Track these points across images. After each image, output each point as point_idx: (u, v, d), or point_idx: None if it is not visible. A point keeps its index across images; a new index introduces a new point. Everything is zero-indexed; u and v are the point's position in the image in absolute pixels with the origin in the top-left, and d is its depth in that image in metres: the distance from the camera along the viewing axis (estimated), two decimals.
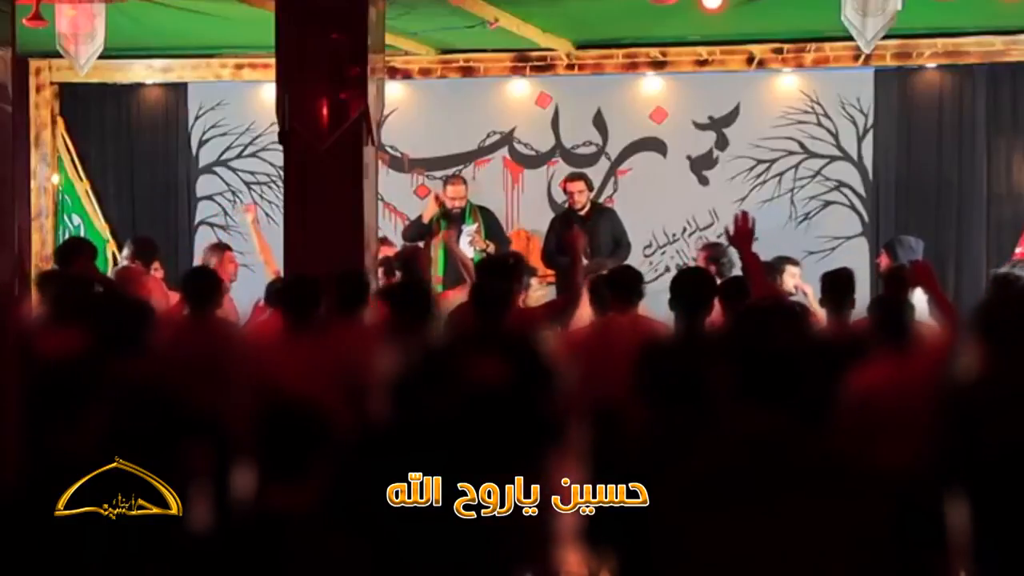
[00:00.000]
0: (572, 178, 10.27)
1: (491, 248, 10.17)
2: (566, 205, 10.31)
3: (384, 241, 9.52)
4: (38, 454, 4.01)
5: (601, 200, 10.75)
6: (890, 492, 2.71)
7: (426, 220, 10.17)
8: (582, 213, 10.08)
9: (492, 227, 10.34)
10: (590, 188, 10.31)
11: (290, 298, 5.94)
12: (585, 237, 9.79)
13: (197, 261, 9.95)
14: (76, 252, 7.45)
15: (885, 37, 8.27)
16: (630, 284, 6.47)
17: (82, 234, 11.11)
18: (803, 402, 2.72)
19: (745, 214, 5.94)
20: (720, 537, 2.71)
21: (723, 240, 9.65)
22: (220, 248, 8.94)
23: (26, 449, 4.12)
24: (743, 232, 5.89)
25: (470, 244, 10.15)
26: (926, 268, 5.91)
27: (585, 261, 9.50)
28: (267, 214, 11.30)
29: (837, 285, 6.35)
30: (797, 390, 2.72)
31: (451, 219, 10.25)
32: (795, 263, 8.48)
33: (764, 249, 6.12)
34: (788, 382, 2.72)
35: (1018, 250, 9.27)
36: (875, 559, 2.67)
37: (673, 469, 2.87)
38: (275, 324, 6.31)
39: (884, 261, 8.42)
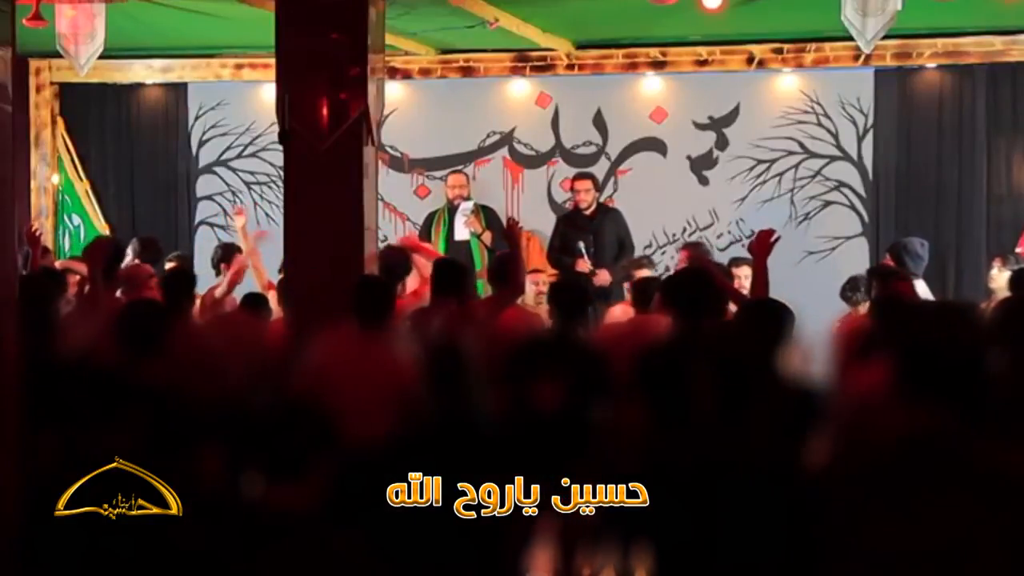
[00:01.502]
0: (579, 177, 10.28)
1: (487, 235, 10.16)
2: (567, 205, 10.29)
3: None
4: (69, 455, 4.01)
5: (601, 200, 10.75)
6: None
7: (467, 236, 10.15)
8: (587, 213, 10.08)
9: (494, 222, 10.34)
10: (597, 188, 10.30)
11: (362, 301, 5.90)
12: (589, 237, 9.83)
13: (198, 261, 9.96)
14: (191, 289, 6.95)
15: (885, 37, 8.26)
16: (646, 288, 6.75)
17: (82, 235, 11.12)
18: (969, 402, 2.72)
19: (772, 231, 6.32)
20: (881, 532, 2.71)
21: (710, 243, 9.74)
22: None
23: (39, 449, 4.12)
24: (765, 245, 6.23)
25: (465, 225, 10.16)
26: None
27: (588, 261, 9.55)
28: (267, 214, 11.32)
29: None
30: (967, 390, 2.72)
31: (453, 211, 10.27)
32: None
33: None
34: (960, 381, 2.72)
35: (1018, 250, 9.27)
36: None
37: (834, 463, 2.86)
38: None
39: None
